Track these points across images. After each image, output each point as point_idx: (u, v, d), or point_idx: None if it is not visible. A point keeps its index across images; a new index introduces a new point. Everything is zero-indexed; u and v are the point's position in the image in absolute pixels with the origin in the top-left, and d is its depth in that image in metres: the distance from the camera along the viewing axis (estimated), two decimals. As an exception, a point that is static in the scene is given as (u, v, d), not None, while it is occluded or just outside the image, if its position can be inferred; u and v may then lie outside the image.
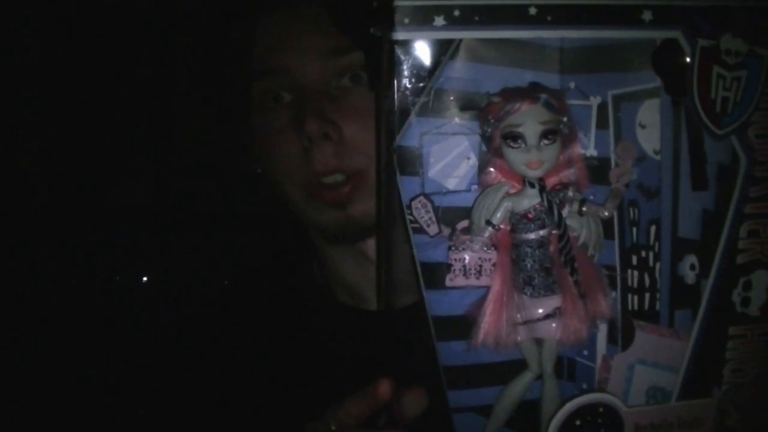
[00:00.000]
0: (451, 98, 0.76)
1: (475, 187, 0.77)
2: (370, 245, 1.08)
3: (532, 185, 0.75)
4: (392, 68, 0.74)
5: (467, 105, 0.76)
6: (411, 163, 0.76)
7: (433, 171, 0.77)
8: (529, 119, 0.72)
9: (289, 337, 1.12)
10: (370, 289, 1.10)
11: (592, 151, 0.77)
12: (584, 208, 0.76)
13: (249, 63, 1.06)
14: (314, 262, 1.20)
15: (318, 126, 0.99)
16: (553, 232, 0.77)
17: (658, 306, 0.78)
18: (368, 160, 1.01)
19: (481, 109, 0.75)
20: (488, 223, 0.76)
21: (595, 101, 0.76)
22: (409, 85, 0.74)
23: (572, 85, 0.76)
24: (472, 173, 0.77)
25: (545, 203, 0.75)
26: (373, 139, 0.92)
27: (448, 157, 0.77)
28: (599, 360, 0.80)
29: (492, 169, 0.77)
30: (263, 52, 1.06)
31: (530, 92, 0.73)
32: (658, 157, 0.76)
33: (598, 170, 0.77)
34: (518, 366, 0.80)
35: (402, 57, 0.73)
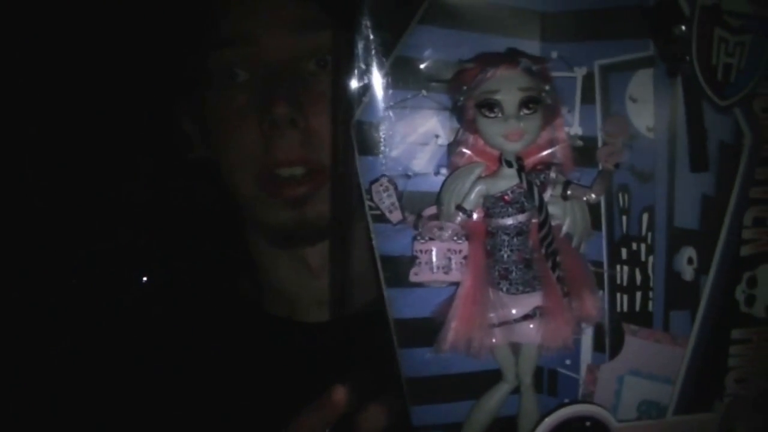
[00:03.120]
0: (419, 67, 0.70)
1: (444, 169, 0.71)
2: (312, 252, 1.03)
3: (509, 164, 0.68)
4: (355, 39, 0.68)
5: (436, 75, 0.70)
6: (372, 142, 0.70)
7: (397, 151, 0.71)
8: (507, 85, 0.66)
9: (204, 349, 1.05)
10: (307, 299, 1.06)
11: (576, 129, 0.72)
12: (569, 192, 0.70)
13: (209, 29, 0.99)
14: (242, 267, 1.13)
15: (285, 112, 0.94)
16: (534, 220, 0.69)
17: (651, 307, 0.73)
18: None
19: (453, 77, 0.69)
20: (459, 208, 0.70)
21: (580, 72, 0.71)
22: (371, 54, 0.68)
23: (554, 54, 0.71)
24: (440, 153, 0.72)
25: (524, 184, 0.68)
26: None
27: (414, 134, 0.71)
28: (584, 370, 0.74)
29: (464, 149, 0.70)
30: (229, 18, 0.99)
31: (508, 56, 0.67)
32: (651, 135, 0.70)
33: (583, 151, 0.71)
34: (492, 377, 0.73)
35: (364, 20, 0.68)
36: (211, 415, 0.99)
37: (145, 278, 1.12)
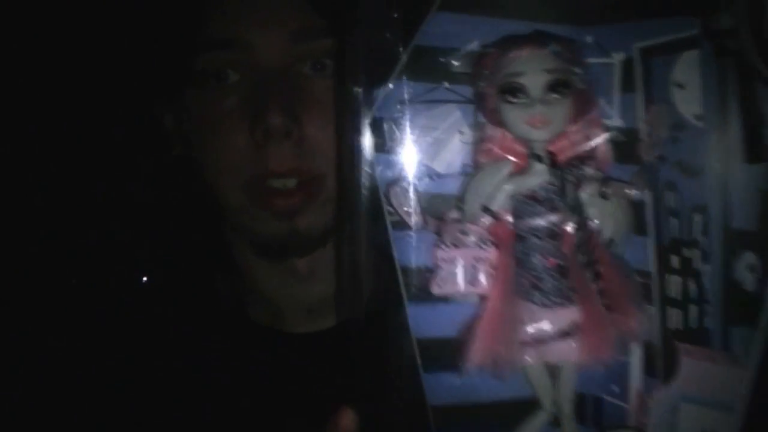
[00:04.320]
0: (439, 58, 0.66)
1: (469, 168, 0.67)
2: (301, 262, 0.99)
3: (539, 159, 0.63)
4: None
5: (459, 65, 0.66)
6: (389, 140, 0.66)
7: (417, 149, 0.66)
8: (532, 66, 0.61)
9: (183, 358, 1.00)
10: (294, 309, 1.01)
11: (616, 121, 0.66)
12: (608, 189, 0.62)
13: (200, 29, 0.96)
14: (224, 275, 1.09)
15: (281, 121, 0.89)
16: (568, 223, 0.62)
17: (708, 323, 0.65)
18: (327, 166, 0.91)
19: (474, 62, 0.64)
20: (484, 209, 0.64)
21: (618, 58, 0.66)
22: (388, 44, 0.64)
23: (589, 39, 0.66)
24: (465, 151, 0.67)
25: (557, 181, 0.61)
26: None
27: (436, 131, 0.66)
28: (633, 398, 0.67)
29: (490, 146, 0.66)
30: (220, 20, 0.95)
31: (533, 37, 0.61)
32: (700, 124, 0.64)
33: (624, 146, 0.66)
34: (527, 405, 0.67)
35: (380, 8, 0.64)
36: (197, 424, 0.94)
37: (145, 278, 1.08)
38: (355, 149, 0.64)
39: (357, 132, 0.65)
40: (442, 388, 0.67)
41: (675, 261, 0.65)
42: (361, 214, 0.65)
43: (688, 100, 0.63)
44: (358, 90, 0.64)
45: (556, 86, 0.60)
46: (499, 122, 0.62)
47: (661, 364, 0.66)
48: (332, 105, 0.83)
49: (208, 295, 1.06)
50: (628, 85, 0.65)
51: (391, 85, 0.64)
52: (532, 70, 0.60)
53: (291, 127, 0.89)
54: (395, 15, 0.64)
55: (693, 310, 0.65)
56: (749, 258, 0.63)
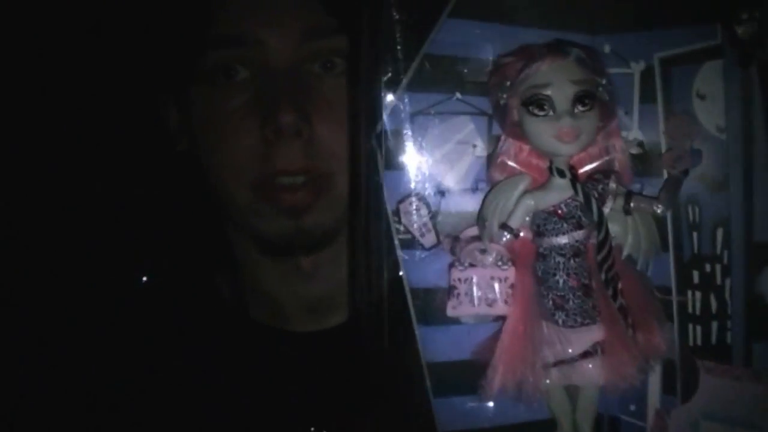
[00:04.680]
0: (451, 67, 0.63)
1: (483, 184, 0.64)
2: (305, 261, 0.97)
3: (561, 173, 0.60)
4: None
5: (471, 75, 0.63)
6: (398, 154, 0.63)
7: (428, 163, 0.63)
8: (558, 78, 0.58)
9: (182, 357, 0.97)
10: (296, 307, 0.99)
11: (636, 133, 0.64)
12: (632, 204, 0.61)
13: (210, 25, 0.93)
14: (225, 274, 1.06)
15: (294, 119, 0.87)
16: (590, 240, 0.60)
17: (729, 339, 0.64)
18: (336, 165, 0.89)
19: (492, 73, 0.62)
20: (503, 227, 0.61)
21: (637, 68, 0.64)
22: (397, 52, 0.61)
23: (607, 48, 0.64)
24: (479, 166, 0.64)
25: (580, 196, 0.58)
26: (344, 139, 0.83)
27: (448, 144, 0.64)
28: (651, 417, 0.66)
29: (506, 160, 0.62)
30: (231, 17, 0.93)
31: (556, 46, 0.58)
32: (723, 136, 0.62)
33: (644, 159, 0.64)
34: (545, 429, 0.64)
35: (389, 15, 0.61)
36: (191, 422, 0.92)
37: (144, 278, 1.04)
38: (369, 154, 0.62)
39: (370, 137, 0.62)
40: (454, 413, 0.64)
41: (696, 276, 0.63)
42: (372, 216, 0.62)
43: (710, 112, 0.62)
44: (373, 95, 0.61)
45: (584, 98, 0.57)
46: (521, 135, 0.60)
47: (680, 382, 0.64)
48: (343, 105, 0.81)
49: (209, 295, 1.04)
50: (648, 96, 0.63)
51: (399, 96, 0.61)
52: (559, 81, 0.57)
53: (302, 125, 0.87)
54: (404, 20, 0.61)
55: (714, 326, 0.63)
56: (772, 272, 0.63)
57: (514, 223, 0.60)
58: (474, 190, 0.63)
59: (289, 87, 0.88)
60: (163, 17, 0.94)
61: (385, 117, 0.61)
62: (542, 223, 0.61)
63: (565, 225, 0.60)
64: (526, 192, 0.61)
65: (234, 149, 0.90)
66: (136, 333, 0.97)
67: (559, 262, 0.60)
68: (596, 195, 0.60)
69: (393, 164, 0.62)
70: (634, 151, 0.63)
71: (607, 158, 0.62)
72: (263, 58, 0.89)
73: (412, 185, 0.62)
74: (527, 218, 0.61)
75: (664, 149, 0.63)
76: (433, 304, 0.63)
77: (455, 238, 0.62)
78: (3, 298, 1.03)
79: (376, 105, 0.61)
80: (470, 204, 0.63)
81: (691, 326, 0.64)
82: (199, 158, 0.95)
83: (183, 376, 0.93)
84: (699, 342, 0.64)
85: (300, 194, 0.89)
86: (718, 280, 0.63)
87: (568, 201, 0.60)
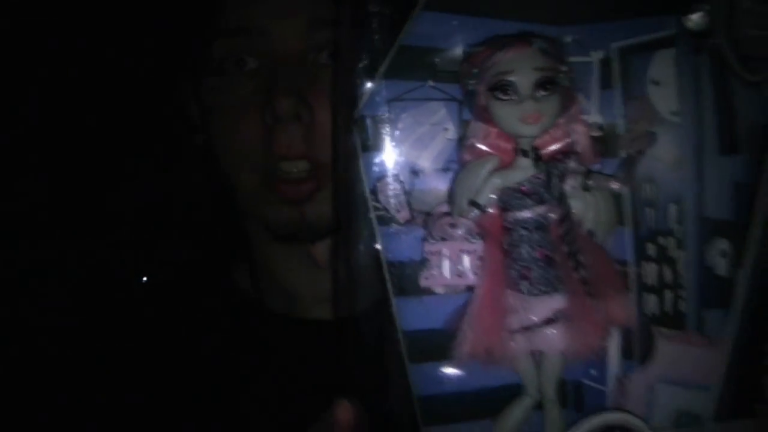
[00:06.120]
0: (425, 56, 0.67)
1: (454, 165, 0.68)
2: (320, 247, 0.99)
3: (525, 154, 0.65)
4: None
5: (444, 64, 0.68)
6: (375, 138, 0.67)
7: (403, 146, 0.68)
8: (521, 65, 0.63)
9: (202, 348, 1.01)
10: (312, 296, 1.02)
11: (595, 117, 0.69)
12: (590, 182, 0.65)
13: (217, 16, 0.97)
14: (239, 263, 1.09)
15: (290, 104, 0.90)
16: (553, 215, 0.65)
17: (683, 307, 0.68)
18: None
19: (462, 62, 0.66)
20: (472, 203, 0.66)
21: (596, 56, 0.69)
22: (375, 43, 0.66)
23: (569, 38, 0.68)
24: (450, 148, 0.69)
25: (543, 174, 0.63)
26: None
27: (421, 128, 0.68)
28: (612, 381, 0.70)
29: (475, 142, 0.67)
30: (238, 7, 0.96)
31: (521, 37, 0.63)
32: (676, 119, 0.67)
33: (604, 140, 0.69)
34: (513, 393, 0.69)
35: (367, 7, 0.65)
36: (210, 415, 0.95)
37: (144, 278, 1.07)
38: (352, 144, 0.65)
39: (350, 122, 0.66)
40: (429, 378, 0.68)
41: (651, 249, 0.68)
42: (356, 210, 0.66)
43: (665, 97, 0.66)
44: (352, 83, 0.65)
45: (545, 83, 0.62)
46: (489, 119, 0.64)
47: (637, 348, 0.68)
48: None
49: (228, 288, 1.06)
50: (606, 83, 0.68)
51: (377, 84, 0.65)
52: (522, 68, 0.62)
53: (301, 111, 0.90)
54: (381, 13, 0.65)
55: (668, 295, 0.68)
56: (722, 245, 0.67)
57: (481, 200, 0.65)
58: (445, 170, 0.67)
59: (291, 74, 0.90)
60: (174, 8, 0.97)
61: (363, 103, 0.65)
62: (508, 200, 0.65)
63: (528, 201, 0.65)
64: (493, 171, 0.65)
65: (241, 136, 0.94)
66: (155, 325, 1.01)
67: (523, 235, 0.65)
68: (558, 173, 0.65)
69: (371, 146, 0.66)
70: (594, 133, 0.67)
71: (569, 140, 0.66)
72: (270, 48, 0.92)
73: (389, 166, 0.66)
74: (494, 195, 0.65)
75: (621, 131, 0.67)
76: (407, 276, 0.67)
77: (428, 214, 0.67)
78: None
79: (356, 92, 0.66)
80: (442, 183, 0.67)
81: (647, 296, 0.68)
82: (213, 149, 0.98)
83: (204, 369, 0.96)
84: (655, 311, 0.68)
85: (304, 184, 0.92)
86: (672, 253, 0.67)
87: (532, 179, 0.65)
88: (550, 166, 0.65)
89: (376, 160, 0.66)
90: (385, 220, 0.67)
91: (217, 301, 1.05)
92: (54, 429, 0.96)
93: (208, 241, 1.12)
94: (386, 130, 0.66)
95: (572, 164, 0.65)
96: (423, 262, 0.66)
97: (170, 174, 1.17)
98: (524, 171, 0.65)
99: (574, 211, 0.66)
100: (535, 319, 0.65)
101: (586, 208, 0.66)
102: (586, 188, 0.65)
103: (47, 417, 0.96)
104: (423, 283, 0.66)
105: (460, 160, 0.67)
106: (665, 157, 0.67)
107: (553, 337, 0.65)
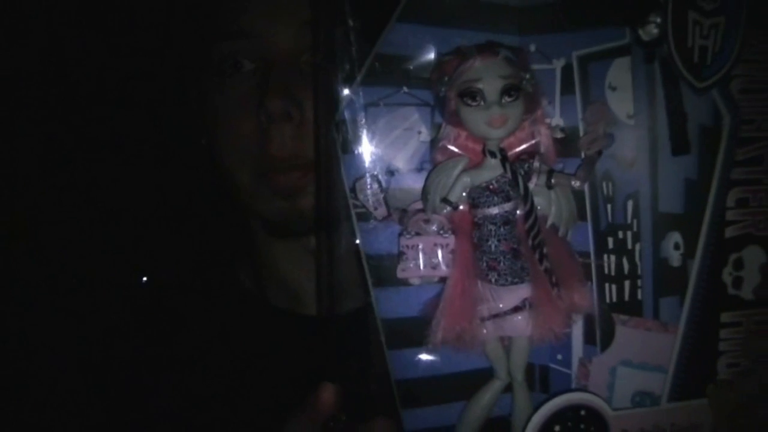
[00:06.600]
0: (399, 64, 0.71)
1: (427, 165, 0.73)
2: (311, 240, 1.00)
3: (493, 155, 0.69)
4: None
5: (417, 71, 0.72)
6: (354, 140, 0.71)
7: (380, 148, 0.72)
8: (487, 73, 0.67)
9: (206, 341, 1.03)
10: (311, 290, 1.01)
11: (558, 120, 0.73)
12: (553, 180, 0.70)
13: (212, 21, 0.99)
14: (240, 260, 1.12)
15: (280, 104, 0.92)
16: (519, 211, 0.70)
17: (640, 295, 0.73)
18: None
19: (433, 70, 0.71)
20: (444, 201, 0.71)
21: (558, 64, 0.73)
22: (352, 52, 0.70)
23: (533, 47, 0.73)
24: (423, 149, 0.73)
25: (509, 174, 0.68)
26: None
27: (397, 131, 0.72)
28: (576, 365, 0.74)
29: (446, 144, 0.71)
30: (231, 12, 0.98)
31: (488, 47, 0.68)
32: (632, 122, 0.72)
33: (566, 141, 0.73)
34: (485, 376, 0.74)
35: (345, 18, 0.69)
36: (213, 411, 0.97)
37: (144, 278, 1.09)
38: (333, 146, 0.70)
39: (330, 126, 0.70)
40: (406, 363, 0.73)
41: (611, 242, 0.72)
42: (337, 207, 0.71)
43: (621, 101, 0.71)
44: (332, 89, 0.69)
45: (510, 90, 0.66)
46: (459, 123, 0.69)
47: (599, 333, 0.73)
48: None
49: (232, 286, 1.09)
50: (568, 88, 0.72)
51: (354, 90, 0.69)
52: (489, 76, 0.66)
53: (292, 110, 0.91)
54: (357, 26, 0.70)
55: (627, 284, 0.72)
56: (675, 237, 0.72)
57: (453, 198, 0.70)
58: (419, 170, 0.72)
59: (284, 74, 0.92)
60: (172, 11, 1.00)
61: (342, 108, 0.70)
62: (477, 197, 0.70)
63: (496, 198, 0.69)
64: (463, 171, 0.70)
65: (236, 136, 0.96)
66: (162, 322, 1.03)
67: (491, 230, 0.70)
68: (523, 173, 0.70)
69: (350, 149, 0.71)
70: (557, 135, 0.72)
71: (533, 141, 0.71)
72: (265, 50, 0.94)
73: (367, 166, 0.71)
74: (464, 193, 0.70)
75: (581, 133, 0.71)
76: (385, 268, 0.71)
77: (403, 211, 0.72)
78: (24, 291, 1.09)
79: (335, 98, 0.70)
80: (416, 182, 0.72)
81: (607, 285, 0.73)
82: (213, 149, 1.01)
83: (211, 366, 0.99)
84: (614, 299, 0.73)
85: (293, 177, 0.94)
86: (630, 245, 0.72)
87: (499, 178, 0.69)
88: (515, 165, 0.69)
89: (355, 161, 0.71)
90: (364, 216, 0.71)
91: (222, 299, 1.07)
92: (57, 429, 0.98)
93: (212, 240, 1.15)
94: (364, 132, 0.70)
95: (536, 164, 0.70)
96: (399, 256, 0.71)
97: (174, 173, 1.19)
98: (492, 170, 0.69)
99: (538, 207, 0.70)
100: (503, 307, 0.70)
101: (549, 204, 0.71)
102: (549, 186, 0.70)
103: (48, 417, 0.99)
104: (400, 274, 0.71)
105: (432, 161, 0.72)
106: (622, 157, 0.71)
107: (521, 323, 0.70)
